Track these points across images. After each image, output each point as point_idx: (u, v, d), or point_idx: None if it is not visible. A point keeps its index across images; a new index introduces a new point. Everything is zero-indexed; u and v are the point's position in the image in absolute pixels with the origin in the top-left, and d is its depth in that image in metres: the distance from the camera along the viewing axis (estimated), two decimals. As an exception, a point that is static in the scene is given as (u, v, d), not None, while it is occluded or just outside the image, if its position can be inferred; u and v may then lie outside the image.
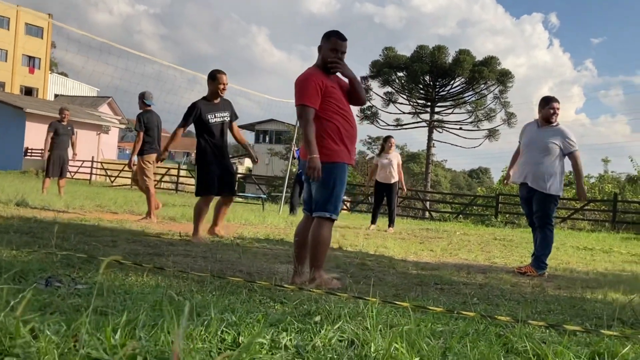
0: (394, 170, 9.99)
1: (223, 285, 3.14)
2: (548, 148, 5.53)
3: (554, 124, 5.60)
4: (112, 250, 4.64)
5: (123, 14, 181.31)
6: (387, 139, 10.41)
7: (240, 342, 1.94)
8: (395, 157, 10.09)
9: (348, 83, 3.88)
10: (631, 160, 21.38)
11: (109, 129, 35.65)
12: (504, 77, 34.58)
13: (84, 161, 25.35)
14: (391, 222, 10.25)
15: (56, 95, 49.38)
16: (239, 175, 28.05)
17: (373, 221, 10.61)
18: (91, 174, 26.64)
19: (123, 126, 44.07)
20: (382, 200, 10.37)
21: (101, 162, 28.01)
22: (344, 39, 3.78)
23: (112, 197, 12.13)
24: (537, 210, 5.66)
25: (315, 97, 3.64)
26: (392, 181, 10.02)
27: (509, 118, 34.69)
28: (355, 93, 3.91)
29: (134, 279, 3.21)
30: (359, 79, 3.96)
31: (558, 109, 5.63)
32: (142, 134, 7.89)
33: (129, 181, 25.07)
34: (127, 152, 61.03)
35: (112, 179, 25.55)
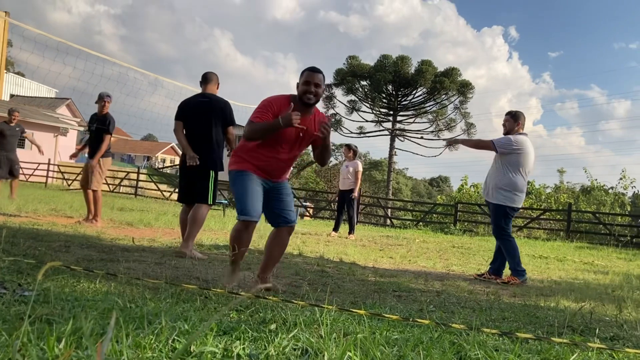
0: (351, 177, 10.06)
1: (177, 292, 3.08)
2: (496, 159, 5.78)
3: (507, 136, 5.79)
4: (64, 255, 4.50)
5: (82, 13, 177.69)
6: (346, 147, 10.52)
7: (192, 350, 1.90)
8: (353, 165, 10.15)
9: (321, 145, 3.81)
10: (585, 172, 22.12)
11: (67, 131, 34.75)
12: (465, 88, 35.26)
13: (39, 164, 24.62)
14: (351, 229, 10.27)
15: (12, 96, 47.88)
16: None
17: (335, 228, 10.63)
18: (47, 177, 25.89)
19: (82, 128, 43.00)
20: (343, 207, 10.41)
21: (58, 165, 27.24)
22: (316, 71, 3.74)
23: (68, 201, 11.81)
24: (492, 221, 5.84)
25: (261, 115, 3.65)
26: (349, 188, 10.09)
27: (469, 128, 35.40)
28: (322, 155, 3.91)
29: (85, 286, 3.11)
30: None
31: (505, 121, 5.87)
32: (110, 136, 7.66)
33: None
34: (86, 155, 59.52)
35: (69, 182, 24.89)
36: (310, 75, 3.71)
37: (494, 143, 5.68)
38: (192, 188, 5.63)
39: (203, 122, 5.60)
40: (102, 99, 7.82)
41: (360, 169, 10.26)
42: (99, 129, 7.75)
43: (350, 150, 10.36)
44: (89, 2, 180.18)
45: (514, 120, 5.81)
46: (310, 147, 4.00)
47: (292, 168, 4.06)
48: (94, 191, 7.75)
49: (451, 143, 5.91)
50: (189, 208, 5.66)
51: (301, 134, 3.75)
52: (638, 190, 24.34)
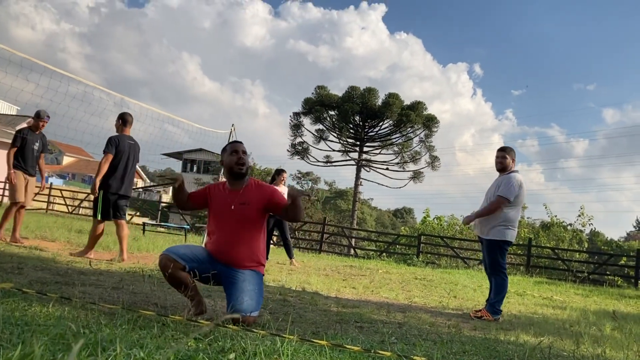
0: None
1: (134, 318, 2.98)
2: (489, 197, 5.76)
3: (502, 173, 5.79)
4: (16, 277, 4.33)
5: (47, 30, 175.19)
6: (279, 172, 9.98)
7: (147, 380, 1.83)
8: (285, 191, 10.01)
9: (292, 204, 3.72)
10: (545, 208, 22.63)
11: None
12: (430, 122, 35.97)
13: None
14: (290, 255, 10.02)
15: (-30, 111, 46.61)
16: (162, 204, 27.30)
17: (289, 256, 10.17)
18: (4, 195, 25.12)
19: (43, 147, 42.08)
20: (283, 233, 10.06)
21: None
22: (238, 142, 3.96)
23: (24, 222, 11.41)
24: (487, 257, 5.78)
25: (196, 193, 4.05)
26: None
27: (433, 161, 36.03)
28: (293, 213, 3.82)
29: (37, 310, 2.99)
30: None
31: (498, 157, 5.84)
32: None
33: (44, 205, 23.85)
34: (46, 174, 58.11)
35: (26, 202, 24.18)
36: (235, 146, 3.88)
37: (505, 197, 5.58)
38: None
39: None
40: (41, 118, 7.69)
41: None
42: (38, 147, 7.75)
43: (283, 177, 10.06)
44: (54, 20, 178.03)
45: (510, 157, 5.81)
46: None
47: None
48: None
49: (469, 222, 5.87)
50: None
51: (233, 207, 3.73)
52: (595, 228, 25.02)
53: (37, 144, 7.81)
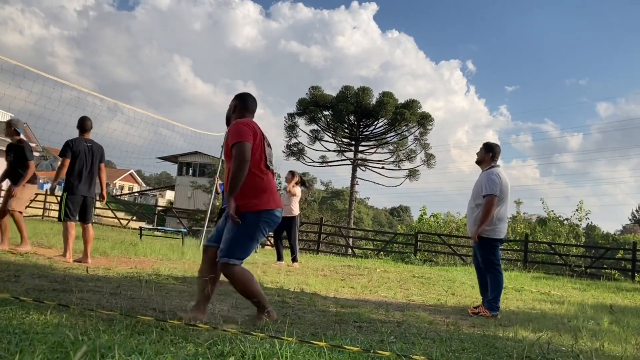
0: (293, 203, 9.93)
1: (132, 324, 2.98)
2: (477, 193, 5.81)
3: (483, 169, 5.89)
4: (13, 286, 4.32)
5: (35, 35, 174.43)
6: (293, 173, 10.28)
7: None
8: (297, 192, 10.04)
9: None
10: (542, 203, 22.67)
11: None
12: (424, 120, 36.00)
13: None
14: (294, 257, 9.96)
15: (-36, 119, 46.43)
16: (159, 208, 27.26)
17: (278, 257, 10.03)
18: None
19: (37, 154, 41.96)
20: (281, 234, 10.16)
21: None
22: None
23: (19, 229, 11.37)
24: (480, 255, 5.83)
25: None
26: (290, 215, 9.89)
27: (428, 159, 36.05)
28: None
29: (34, 318, 2.98)
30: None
31: (477, 153, 6.00)
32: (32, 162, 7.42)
33: (39, 212, 23.77)
34: (41, 180, 57.98)
35: (22, 209, 24.09)
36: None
37: (491, 194, 5.63)
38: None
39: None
40: (12, 127, 7.58)
41: (297, 192, 10.13)
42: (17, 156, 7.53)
43: (295, 177, 10.17)
44: (42, 24, 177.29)
45: (485, 151, 5.93)
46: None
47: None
48: (13, 212, 7.50)
49: (477, 234, 5.86)
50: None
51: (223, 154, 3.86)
52: (592, 222, 25.10)
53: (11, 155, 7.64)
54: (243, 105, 4.00)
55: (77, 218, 7.14)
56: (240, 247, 3.63)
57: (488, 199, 5.61)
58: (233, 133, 3.70)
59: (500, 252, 6.22)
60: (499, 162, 6.01)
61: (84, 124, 7.14)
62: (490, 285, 5.69)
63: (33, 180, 7.70)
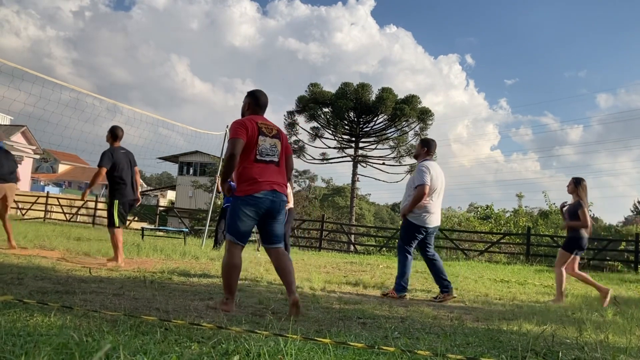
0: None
1: (136, 324, 2.98)
2: (410, 186, 6.33)
3: (417, 162, 6.40)
4: (16, 288, 4.32)
5: (32, 36, 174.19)
6: None
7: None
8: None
9: None
10: (544, 195, 22.64)
11: (22, 159, 33.86)
12: (424, 115, 35.90)
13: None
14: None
15: (-36, 123, 46.42)
16: (160, 209, 27.26)
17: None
18: None
19: (37, 156, 41.96)
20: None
21: (12, 194, 26.33)
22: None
23: (22, 231, 11.40)
24: (400, 233, 6.45)
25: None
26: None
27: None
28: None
29: (38, 320, 2.98)
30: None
31: (415, 148, 6.74)
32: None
33: (41, 214, 23.80)
34: (42, 183, 57.98)
35: (24, 211, 24.13)
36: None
37: (421, 184, 6.08)
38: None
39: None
40: None
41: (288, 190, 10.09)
42: None
43: None
44: (39, 26, 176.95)
45: (421, 146, 6.47)
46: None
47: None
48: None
49: (405, 214, 6.30)
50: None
51: None
52: (594, 214, 25.05)
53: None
54: (255, 102, 4.59)
55: (125, 223, 7.39)
56: (231, 225, 4.29)
57: (419, 188, 6.07)
58: (230, 131, 4.35)
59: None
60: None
61: (116, 133, 7.36)
62: (398, 265, 6.21)
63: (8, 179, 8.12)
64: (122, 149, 7.38)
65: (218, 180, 11.68)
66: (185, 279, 6.00)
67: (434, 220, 6.21)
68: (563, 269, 6.96)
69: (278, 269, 4.41)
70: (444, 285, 6.19)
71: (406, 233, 6.21)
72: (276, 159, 4.44)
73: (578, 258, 7.13)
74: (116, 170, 7.14)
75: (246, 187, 4.26)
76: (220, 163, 12.43)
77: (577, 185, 6.99)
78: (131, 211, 7.48)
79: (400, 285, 6.08)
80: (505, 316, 4.95)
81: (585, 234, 6.89)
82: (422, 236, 6.22)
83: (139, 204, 7.73)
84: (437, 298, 6.08)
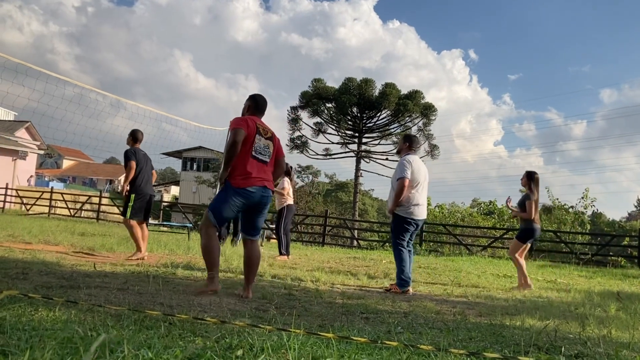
0: (281, 195, 9.91)
1: (140, 319, 2.99)
2: (393, 180, 6.45)
3: (400, 162, 6.49)
4: (21, 283, 4.34)
5: (34, 32, 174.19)
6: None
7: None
8: (282, 182, 9.99)
9: None
10: (547, 191, 22.55)
11: (26, 155, 33.92)
12: (428, 111, 35.83)
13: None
14: (279, 249, 9.80)
15: (-32, 118, 46.51)
16: (164, 204, 27.34)
17: (280, 252, 9.88)
18: (5, 201, 25.13)
19: (42, 152, 42.07)
20: (278, 226, 10.05)
21: (16, 190, 26.45)
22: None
23: (26, 227, 11.46)
24: (391, 230, 6.52)
25: None
26: (279, 207, 9.94)
27: (432, 150, 35.91)
28: None
29: (43, 314, 3.00)
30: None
31: (397, 144, 6.66)
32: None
33: (45, 209, 23.88)
34: (46, 179, 58.12)
35: (28, 207, 24.21)
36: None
37: (402, 177, 6.22)
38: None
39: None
40: None
41: (285, 185, 10.02)
42: None
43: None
44: (41, 21, 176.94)
45: (403, 141, 6.64)
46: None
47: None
48: None
49: (390, 210, 6.46)
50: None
51: None
52: (597, 209, 25.02)
53: None
54: (255, 106, 4.99)
55: (141, 217, 7.72)
56: (217, 208, 4.65)
57: (400, 182, 6.20)
58: (232, 123, 4.71)
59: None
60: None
61: (136, 136, 7.86)
62: (395, 262, 6.28)
63: None
64: (142, 150, 7.85)
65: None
66: (189, 274, 6.02)
67: (421, 212, 6.35)
68: (517, 256, 7.55)
69: (247, 261, 4.84)
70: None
71: (396, 227, 6.32)
72: (267, 159, 4.86)
73: (529, 246, 7.88)
74: (137, 167, 7.63)
75: (240, 180, 4.62)
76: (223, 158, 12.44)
77: (529, 178, 7.67)
78: (148, 208, 7.84)
79: (402, 280, 6.14)
80: (508, 311, 4.96)
81: (537, 225, 7.61)
82: (413, 228, 6.33)
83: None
84: (390, 290, 6.14)
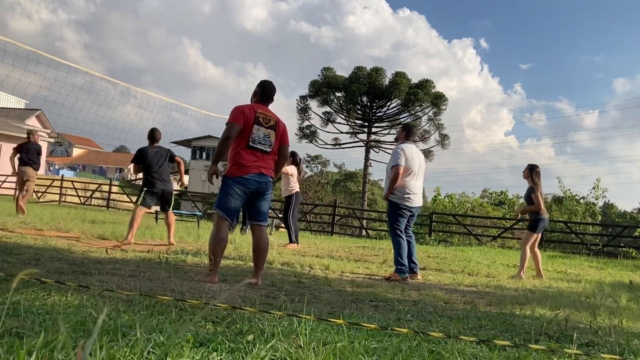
0: (288, 182, 9.84)
1: (152, 304, 3.02)
2: (388, 168, 6.53)
3: (394, 149, 6.60)
4: (34, 268, 4.38)
5: (44, 20, 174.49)
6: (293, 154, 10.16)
7: (168, 363, 1.85)
8: (287, 170, 9.80)
9: None
10: (559, 181, 22.44)
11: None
12: (438, 100, 35.63)
13: (8, 176, 24.06)
14: (290, 238, 9.76)
15: (-20, 107, 46.77)
16: (174, 192, 27.46)
17: (289, 240, 9.85)
18: (16, 189, 25.30)
19: (52, 140, 42.31)
20: (286, 215, 9.96)
21: (27, 177, 26.58)
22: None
23: (37, 214, 11.56)
24: (388, 217, 6.62)
25: None
26: (285, 194, 9.89)
27: (443, 139, 35.77)
28: None
29: (56, 299, 3.03)
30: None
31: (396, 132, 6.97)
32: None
33: (56, 197, 24.06)
34: (57, 166, 58.52)
35: (39, 194, 24.40)
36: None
37: (395, 165, 6.35)
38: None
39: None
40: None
41: (289, 170, 9.83)
42: None
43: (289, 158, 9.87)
44: (50, 9, 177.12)
45: (401, 130, 6.79)
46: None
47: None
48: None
49: (385, 198, 6.55)
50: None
51: None
52: (609, 200, 24.83)
53: None
54: (262, 92, 5.00)
55: (150, 208, 8.23)
56: (222, 201, 4.76)
57: (394, 169, 6.32)
58: (230, 114, 4.78)
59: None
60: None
61: (152, 136, 8.17)
62: (393, 248, 6.38)
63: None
64: (157, 147, 8.15)
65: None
66: (200, 261, 6.05)
67: (416, 200, 6.44)
68: (528, 248, 7.60)
69: (255, 248, 4.90)
70: (410, 268, 6.39)
71: (392, 214, 6.42)
72: (268, 149, 4.87)
73: (539, 237, 7.92)
74: (147, 166, 7.98)
75: (236, 170, 4.72)
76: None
77: (531, 171, 7.80)
78: (165, 200, 8.27)
79: (400, 264, 6.23)
80: (517, 301, 4.95)
81: (545, 215, 7.70)
82: (408, 215, 6.42)
83: (183, 186, 9.73)
84: (389, 278, 6.14)
